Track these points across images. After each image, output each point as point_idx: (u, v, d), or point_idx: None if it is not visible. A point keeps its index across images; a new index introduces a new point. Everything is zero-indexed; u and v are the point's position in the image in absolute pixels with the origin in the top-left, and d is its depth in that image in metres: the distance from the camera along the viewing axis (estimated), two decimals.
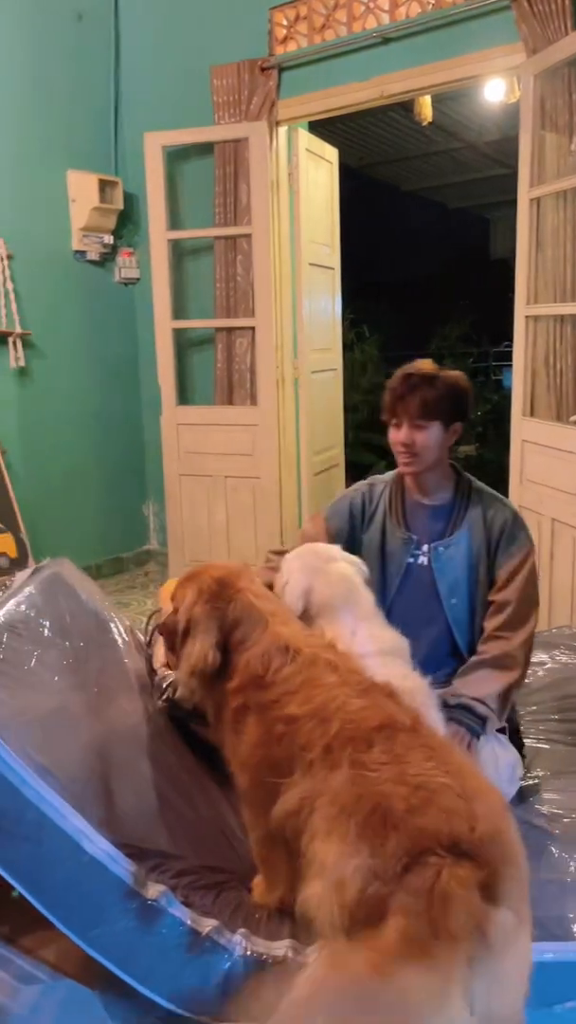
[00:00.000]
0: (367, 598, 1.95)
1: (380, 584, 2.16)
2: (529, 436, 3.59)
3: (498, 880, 1.10)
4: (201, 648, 1.50)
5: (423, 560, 2.14)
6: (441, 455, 2.12)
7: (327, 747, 1.32)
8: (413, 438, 2.05)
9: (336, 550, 2.01)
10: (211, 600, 1.55)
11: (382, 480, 2.27)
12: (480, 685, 1.99)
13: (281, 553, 2.16)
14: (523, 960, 1.14)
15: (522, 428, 3.62)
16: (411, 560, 2.14)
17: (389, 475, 2.27)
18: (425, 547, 2.14)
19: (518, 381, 3.64)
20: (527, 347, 3.59)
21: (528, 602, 2.09)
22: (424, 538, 2.15)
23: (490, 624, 2.08)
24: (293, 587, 1.87)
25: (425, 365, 2.11)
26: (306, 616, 1.84)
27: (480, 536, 2.10)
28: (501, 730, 2.07)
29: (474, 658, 2.06)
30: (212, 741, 1.63)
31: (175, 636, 1.60)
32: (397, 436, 2.08)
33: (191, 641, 1.52)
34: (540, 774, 2.19)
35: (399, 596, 2.16)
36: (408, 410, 2.05)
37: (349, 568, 1.95)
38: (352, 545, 2.20)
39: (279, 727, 1.39)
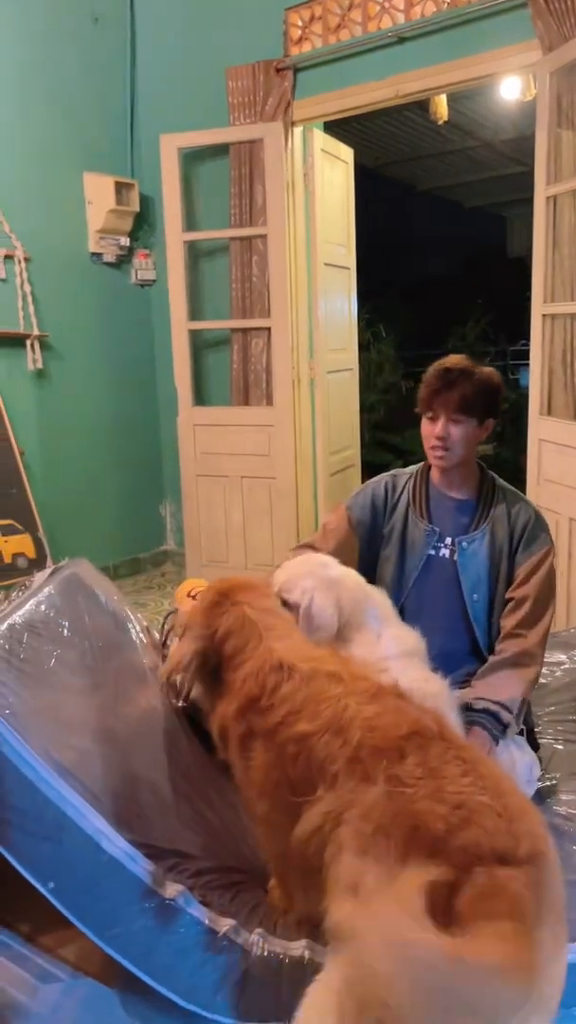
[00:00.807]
0: (383, 599, 1.96)
1: (398, 575, 2.17)
2: (546, 435, 3.57)
3: (539, 903, 1.07)
4: (179, 651, 1.50)
5: (445, 553, 2.14)
6: (472, 451, 2.13)
7: (353, 758, 1.27)
8: (449, 432, 2.06)
9: (328, 558, 1.99)
10: (208, 609, 1.55)
11: (405, 472, 2.28)
12: (502, 688, 1.98)
13: (305, 548, 2.17)
14: (558, 984, 1.09)
15: (539, 427, 3.60)
16: (432, 552, 2.15)
17: (412, 468, 2.28)
18: (448, 540, 2.14)
19: (535, 380, 3.62)
20: (544, 346, 3.57)
21: (545, 600, 2.09)
22: (447, 531, 2.15)
23: (508, 622, 2.08)
24: (323, 605, 1.82)
25: (460, 360, 2.10)
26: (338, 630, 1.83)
27: (503, 533, 2.10)
28: (519, 731, 2.06)
29: (493, 658, 2.05)
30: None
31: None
32: (432, 429, 2.08)
33: (176, 644, 1.53)
34: (557, 775, 2.18)
35: (417, 587, 2.17)
36: (446, 404, 2.05)
37: (353, 572, 1.95)
38: (372, 536, 2.21)
39: (291, 748, 1.35)
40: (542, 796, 2.05)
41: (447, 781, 1.19)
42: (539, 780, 2.06)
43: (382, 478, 2.29)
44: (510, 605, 2.10)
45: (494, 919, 1.02)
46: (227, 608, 1.54)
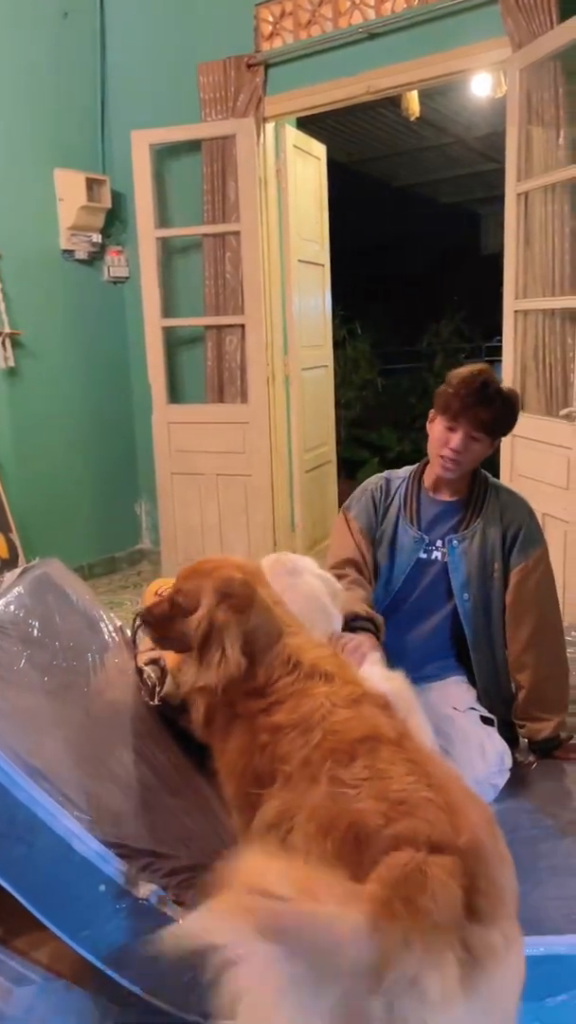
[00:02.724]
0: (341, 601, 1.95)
1: (386, 578, 2.18)
2: (519, 431, 3.55)
3: (482, 896, 1.04)
4: (235, 656, 1.43)
5: (437, 556, 2.16)
6: (478, 464, 2.14)
7: (306, 760, 1.28)
8: (467, 447, 2.04)
9: (302, 562, 1.96)
10: (235, 605, 1.47)
11: (398, 476, 2.27)
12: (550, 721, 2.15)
13: (346, 564, 2.18)
14: (513, 983, 1.07)
15: None
16: (423, 556, 2.15)
17: (405, 471, 2.28)
18: (439, 543, 2.15)
19: (508, 376, 3.64)
20: (516, 342, 3.59)
21: (550, 608, 2.16)
22: (437, 536, 2.16)
23: (514, 646, 2.15)
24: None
25: (493, 375, 2.06)
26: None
27: (495, 533, 2.12)
28: (489, 721, 2.08)
29: (526, 698, 2.17)
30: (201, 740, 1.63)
31: (166, 627, 1.55)
32: (447, 438, 2.04)
33: (218, 648, 1.44)
34: (534, 763, 2.20)
35: (404, 590, 2.19)
36: (474, 420, 2.02)
37: (322, 576, 1.94)
38: (373, 538, 2.23)
39: (263, 736, 1.37)
40: (514, 784, 2.06)
41: (392, 781, 1.19)
42: (510, 769, 2.07)
43: (377, 480, 2.28)
44: (510, 617, 2.13)
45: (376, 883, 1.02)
46: (251, 601, 1.49)
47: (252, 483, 4.53)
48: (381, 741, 1.27)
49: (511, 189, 3.51)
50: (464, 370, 2.08)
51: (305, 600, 1.80)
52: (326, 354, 5.07)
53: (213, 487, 4.61)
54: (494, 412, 2.03)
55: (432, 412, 2.14)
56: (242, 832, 1.49)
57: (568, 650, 2.42)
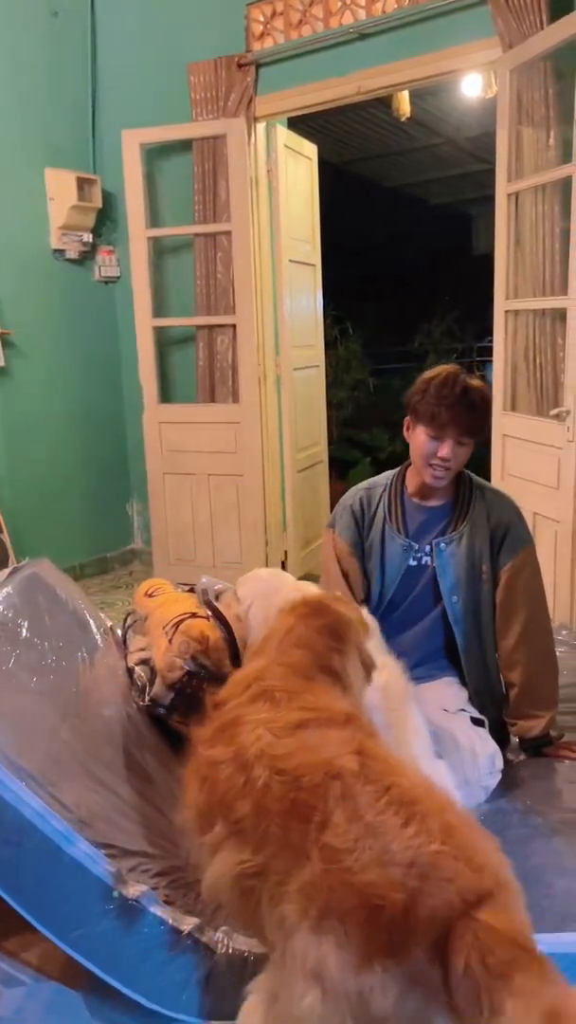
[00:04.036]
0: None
1: (378, 588, 2.18)
2: (510, 431, 3.60)
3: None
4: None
5: (426, 560, 2.15)
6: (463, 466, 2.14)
7: (261, 807, 1.13)
8: (456, 454, 2.03)
9: (284, 576, 2.05)
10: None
11: (379, 485, 2.25)
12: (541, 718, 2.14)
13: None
14: None
15: (502, 423, 3.63)
16: (412, 563, 2.15)
17: (385, 478, 2.26)
18: (427, 548, 2.14)
19: (498, 376, 3.65)
20: (507, 342, 3.60)
21: (538, 606, 2.16)
22: (425, 541, 2.15)
23: (505, 643, 2.15)
24: (255, 614, 1.92)
25: (466, 375, 2.04)
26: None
27: (483, 534, 2.11)
28: (480, 722, 2.08)
29: (517, 696, 2.16)
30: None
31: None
32: (434, 448, 2.02)
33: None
34: (523, 762, 2.20)
35: (396, 598, 2.19)
36: (461, 427, 2.00)
37: (300, 586, 1.97)
38: (361, 552, 2.22)
39: (203, 769, 1.24)
40: (505, 785, 2.07)
41: (390, 838, 1.05)
42: (501, 770, 2.07)
43: (356, 493, 2.26)
44: (500, 616, 2.13)
45: (510, 972, 0.94)
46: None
47: (244, 483, 4.52)
48: (348, 782, 1.11)
49: (501, 189, 3.51)
50: (438, 377, 2.03)
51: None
52: (317, 354, 5.07)
53: (205, 487, 4.61)
54: (478, 415, 2.04)
55: (408, 420, 2.11)
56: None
57: (558, 649, 2.43)
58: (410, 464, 2.19)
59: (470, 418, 2.01)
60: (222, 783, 1.19)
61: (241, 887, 1.15)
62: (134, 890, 1.40)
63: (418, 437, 2.07)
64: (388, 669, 1.69)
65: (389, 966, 0.98)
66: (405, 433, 2.14)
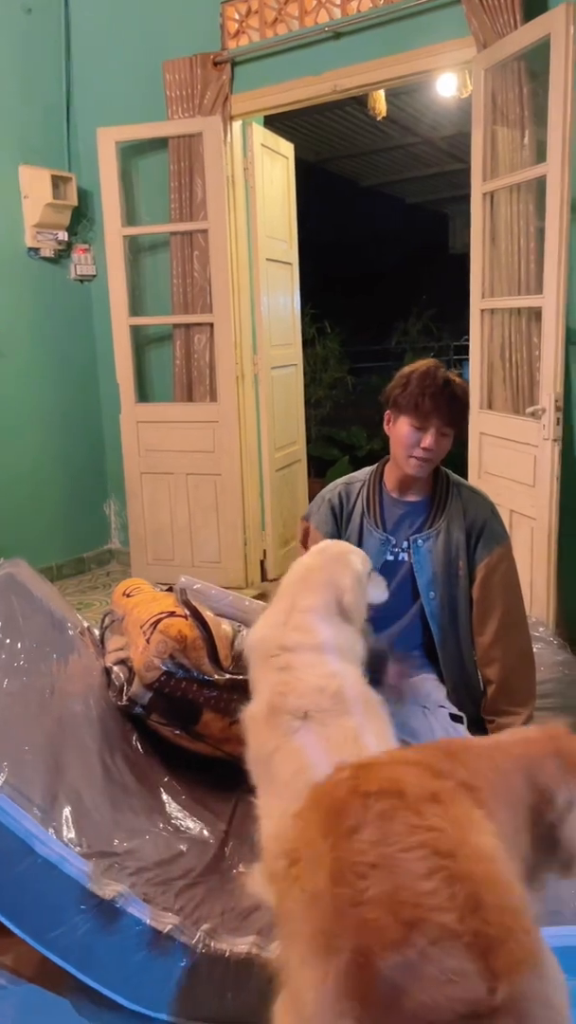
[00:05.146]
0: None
1: None
2: (486, 429, 3.62)
3: None
4: None
5: (403, 556, 2.16)
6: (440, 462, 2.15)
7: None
8: (439, 444, 2.05)
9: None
10: None
11: (357, 480, 2.26)
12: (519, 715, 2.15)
13: None
14: None
15: (479, 421, 3.65)
16: (390, 558, 2.16)
17: (363, 474, 2.27)
18: (405, 544, 2.15)
19: (475, 374, 3.66)
20: (483, 341, 3.61)
21: (515, 602, 2.17)
22: (402, 536, 2.16)
23: (483, 639, 2.15)
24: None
25: (443, 368, 2.07)
26: None
27: (459, 530, 2.12)
28: (458, 719, 2.09)
29: (495, 692, 2.17)
30: (168, 738, 1.62)
31: None
32: (417, 438, 2.04)
33: None
34: None
35: None
36: (444, 417, 2.03)
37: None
38: None
39: None
40: None
41: (402, 881, 0.89)
42: None
43: (335, 487, 2.27)
44: (477, 612, 2.14)
45: None
46: None
47: (222, 482, 4.52)
48: (398, 800, 0.99)
49: (477, 189, 3.53)
50: (418, 369, 2.07)
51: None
52: (295, 352, 5.07)
53: (183, 486, 4.59)
54: (459, 406, 2.06)
55: (389, 414, 2.13)
56: None
57: (535, 646, 2.45)
58: (388, 460, 2.20)
59: (452, 408, 2.04)
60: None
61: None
62: (109, 890, 1.40)
63: (400, 428, 2.08)
64: (339, 678, 1.68)
65: None
66: (386, 427, 2.15)
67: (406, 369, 2.11)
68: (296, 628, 1.74)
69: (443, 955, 0.82)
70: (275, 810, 1.59)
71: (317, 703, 1.61)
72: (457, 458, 3.75)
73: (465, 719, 2.13)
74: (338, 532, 2.22)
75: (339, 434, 7.33)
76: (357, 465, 2.35)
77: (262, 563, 4.70)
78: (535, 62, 3.18)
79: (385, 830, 0.94)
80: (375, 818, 0.96)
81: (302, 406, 5.19)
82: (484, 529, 2.13)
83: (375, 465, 2.26)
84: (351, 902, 0.89)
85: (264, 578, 4.69)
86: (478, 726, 2.22)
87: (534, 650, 2.29)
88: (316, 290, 6.31)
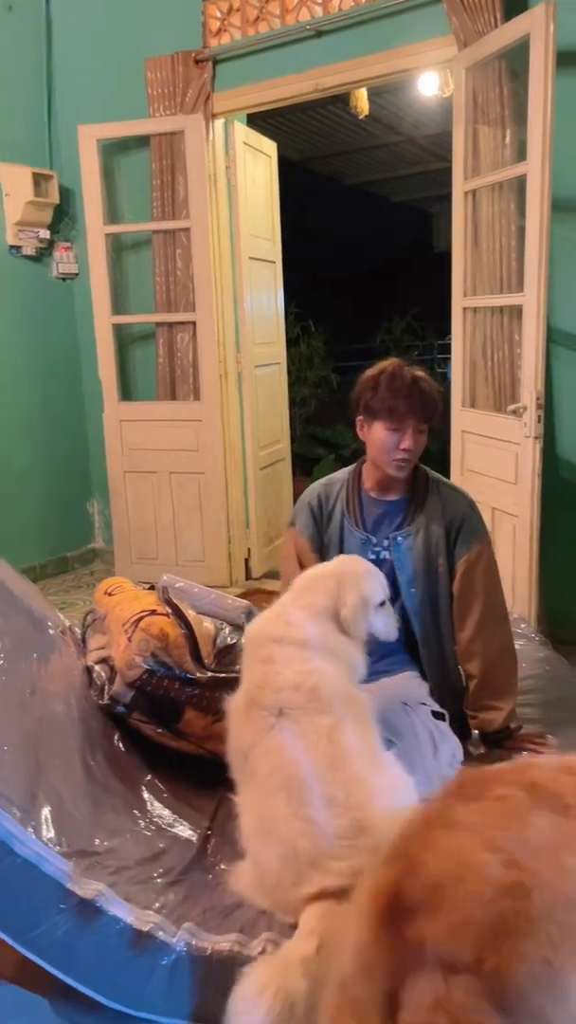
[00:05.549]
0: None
1: None
2: (469, 427, 3.64)
3: None
4: None
5: (384, 554, 2.16)
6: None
7: None
8: (417, 442, 2.06)
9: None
10: None
11: (337, 480, 2.27)
12: (501, 710, 2.16)
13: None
14: None
15: (462, 419, 3.66)
16: (371, 557, 2.16)
17: (343, 473, 2.28)
18: (385, 542, 2.15)
19: (457, 372, 3.68)
20: (465, 339, 3.63)
21: (494, 596, 2.18)
22: (383, 535, 2.17)
23: (463, 635, 2.16)
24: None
25: (409, 364, 2.08)
26: None
27: (438, 527, 2.13)
28: (440, 715, 2.10)
29: (476, 687, 2.18)
30: (150, 736, 1.62)
31: None
32: (396, 440, 2.04)
33: None
34: (483, 755, 2.22)
35: None
36: (419, 415, 2.03)
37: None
38: (321, 547, 2.23)
39: None
40: None
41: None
42: (461, 763, 2.09)
43: (314, 490, 2.28)
44: (458, 608, 2.15)
45: None
46: None
47: (206, 481, 4.51)
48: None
49: (458, 187, 3.54)
50: (384, 371, 2.06)
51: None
52: (279, 351, 5.07)
53: (166, 485, 4.58)
54: (432, 401, 2.06)
55: (361, 419, 2.12)
56: None
57: (517, 642, 2.46)
58: (366, 460, 2.20)
59: (425, 406, 2.05)
60: None
61: None
62: (89, 889, 1.39)
63: (377, 433, 2.08)
64: (319, 673, 1.68)
65: None
66: (359, 432, 2.15)
67: (370, 372, 2.11)
68: (287, 622, 1.77)
69: None
70: (253, 806, 1.60)
71: (291, 700, 1.63)
72: (440, 456, 3.78)
73: (447, 716, 2.14)
74: (319, 534, 2.23)
75: (324, 432, 7.34)
76: (343, 463, 2.36)
77: (246, 561, 4.70)
78: (516, 61, 3.19)
79: None
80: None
81: (286, 404, 5.19)
82: (463, 525, 2.13)
83: (353, 465, 2.27)
84: None
85: (248, 576, 4.69)
86: (460, 722, 2.23)
87: (516, 647, 2.30)
88: (301, 289, 6.31)
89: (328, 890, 1.45)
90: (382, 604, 1.91)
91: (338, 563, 1.94)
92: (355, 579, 1.85)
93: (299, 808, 1.51)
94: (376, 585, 1.90)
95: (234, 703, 1.71)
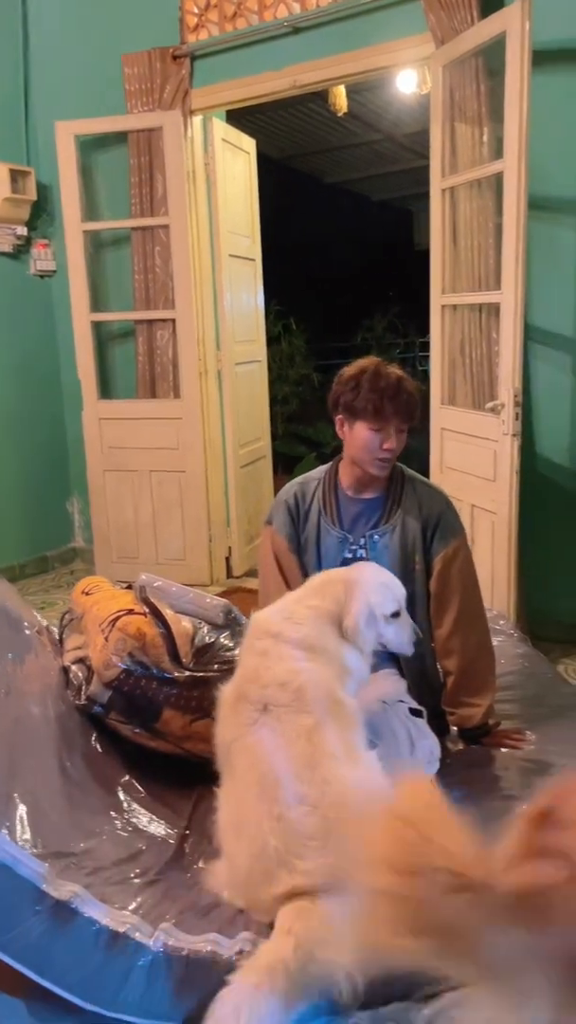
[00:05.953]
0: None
1: None
2: (447, 424, 3.64)
3: None
4: None
5: (361, 553, 2.16)
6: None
7: None
8: (400, 441, 2.07)
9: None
10: None
11: (313, 479, 2.26)
12: (479, 706, 2.17)
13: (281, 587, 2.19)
14: None
15: (440, 416, 3.67)
16: (348, 556, 2.16)
17: (319, 472, 2.27)
18: (362, 540, 2.15)
19: (435, 370, 3.69)
20: (443, 336, 3.64)
21: (471, 593, 2.18)
22: (359, 533, 2.17)
23: (441, 631, 2.16)
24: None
25: (388, 364, 2.08)
26: None
27: (415, 525, 2.13)
28: (418, 713, 2.10)
29: (451, 684, 2.18)
30: (127, 736, 1.61)
31: None
32: (378, 440, 2.04)
33: None
34: (462, 752, 2.23)
35: None
36: (402, 415, 2.04)
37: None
38: (299, 546, 2.22)
39: None
40: (444, 775, 2.09)
41: None
42: (440, 759, 2.09)
43: (290, 489, 2.27)
44: (435, 605, 2.15)
45: None
46: None
47: (186, 479, 4.50)
48: None
49: (436, 185, 3.54)
50: (366, 371, 2.06)
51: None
52: (259, 349, 5.06)
53: (147, 483, 4.56)
54: (414, 401, 2.07)
55: (341, 419, 2.11)
56: None
57: (495, 638, 2.47)
58: (342, 458, 2.20)
59: (409, 406, 2.06)
60: None
61: None
62: (65, 891, 1.38)
63: (360, 433, 2.07)
64: (308, 674, 1.68)
65: None
66: (339, 432, 2.14)
67: (350, 371, 2.10)
68: (288, 618, 1.76)
69: None
70: (231, 801, 1.60)
71: (276, 697, 1.62)
72: (419, 454, 3.78)
73: (425, 713, 2.14)
74: (296, 532, 2.22)
75: (306, 430, 7.34)
76: (324, 461, 2.35)
77: (227, 560, 4.69)
78: (492, 59, 3.20)
79: None
80: None
81: (267, 402, 5.19)
82: (440, 522, 2.14)
83: (329, 464, 2.27)
84: None
85: (229, 575, 4.69)
86: (439, 719, 2.23)
87: (494, 643, 2.31)
88: (281, 287, 6.30)
89: (298, 889, 1.45)
90: (396, 615, 1.88)
91: (354, 570, 1.91)
92: (364, 589, 1.83)
93: (271, 806, 1.51)
94: (388, 596, 1.87)
95: (225, 693, 1.70)
